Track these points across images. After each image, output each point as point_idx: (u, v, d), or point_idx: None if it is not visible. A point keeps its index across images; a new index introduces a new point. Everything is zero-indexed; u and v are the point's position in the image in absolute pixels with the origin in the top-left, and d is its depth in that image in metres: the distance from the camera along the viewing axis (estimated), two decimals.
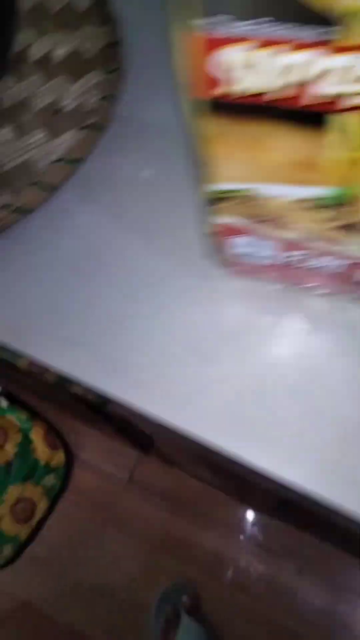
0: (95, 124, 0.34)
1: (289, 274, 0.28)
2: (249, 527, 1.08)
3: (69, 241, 0.32)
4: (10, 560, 1.13)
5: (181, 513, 1.12)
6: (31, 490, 1.16)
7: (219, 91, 0.17)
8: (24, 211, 0.32)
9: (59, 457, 1.18)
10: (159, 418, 0.27)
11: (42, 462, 1.18)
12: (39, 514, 1.15)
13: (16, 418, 1.22)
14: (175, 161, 0.33)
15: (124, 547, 1.11)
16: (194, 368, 0.28)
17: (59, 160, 0.33)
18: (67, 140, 0.34)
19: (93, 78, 0.37)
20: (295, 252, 0.26)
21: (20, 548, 1.13)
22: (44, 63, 0.39)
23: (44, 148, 0.35)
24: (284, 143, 0.19)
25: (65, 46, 0.39)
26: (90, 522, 1.15)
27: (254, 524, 1.09)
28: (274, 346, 0.28)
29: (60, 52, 0.39)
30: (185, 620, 1.00)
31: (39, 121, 0.36)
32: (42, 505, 1.15)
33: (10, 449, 1.20)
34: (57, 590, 1.10)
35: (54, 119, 0.36)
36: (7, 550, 1.12)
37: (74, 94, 0.37)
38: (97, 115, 0.34)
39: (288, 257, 0.26)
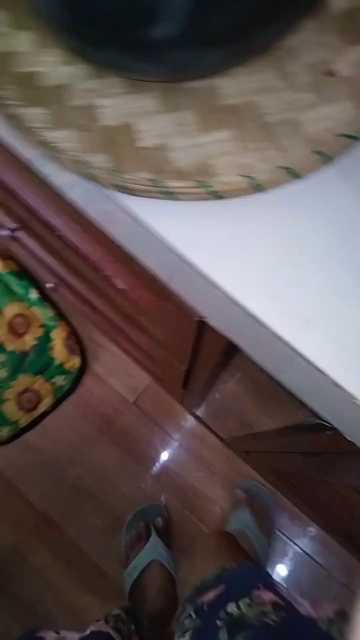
0: None
1: None
2: (241, 483, 1.14)
3: (321, 217, 0.30)
4: (5, 442, 1.15)
5: (177, 448, 1.16)
6: (40, 384, 1.17)
7: None
8: (294, 176, 0.30)
9: (74, 362, 1.19)
10: None
11: (57, 362, 1.18)
12: (42, 408, 1.17)
13: (42, 313, 1.21)
14: None
15: (113, 460, 1.15)
16: None
17: (338, 133, 0.30)
18: (343, 111, 0.31)
19: None
20: None
21: (18, 433, 1.16)
22: (319, 12, 0.35)
23: (314, 111, 0.32)
24: None
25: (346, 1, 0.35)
26: (87, 429, 1.18)
27: (248, 484, 1.14)
28: None
29: (339, 4, 0.35)
30: (154, 538, 1.07)
31: (307, 78, 0.33)
32: (47, 401, 1.17)
33: (30, 340, 1.19)
34: (42, 480, 1.14)
35: (325, 81, 0.33)
36: (5, 431, 1.14)
37: (349, 59, 0.33)
38: None
39: None
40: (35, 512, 1.12)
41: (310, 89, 0.33)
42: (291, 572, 1.10)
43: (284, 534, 1.11)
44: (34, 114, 0.31)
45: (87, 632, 0.70)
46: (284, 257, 0.30)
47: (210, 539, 1.03)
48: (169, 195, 0.29)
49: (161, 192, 0.29)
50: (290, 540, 1.11)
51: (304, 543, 1.11)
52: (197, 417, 1.15)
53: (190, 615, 0.57)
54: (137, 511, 1.11)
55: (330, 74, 0.33)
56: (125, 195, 0.30)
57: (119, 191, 0.30)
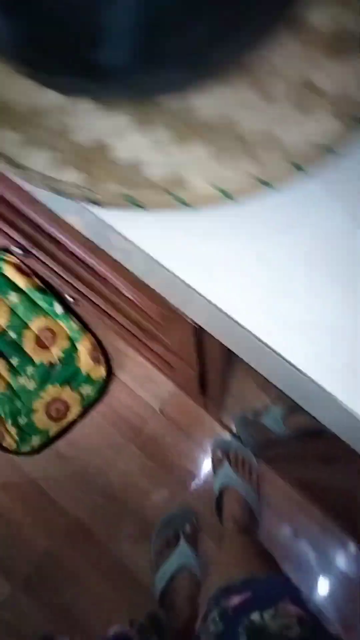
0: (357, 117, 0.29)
1: None
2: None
3: (302, 230, 0.29)
4: (36, 451, 1.17)
5: (204, 456, 1.15)
6: (68, 394, 1.18)
7: None
8: (267, 185, 0.28)
9: (100, 372, 1.19)
10: None
11: (83, 372, 1.19)
12: (70, 417, 1.18)
13: (67, 326, 1.22)
14: None
15: (141, 467, 1.15)
16: None
17: (312, 143, 0.29)
18: (320, 124, 0.30)
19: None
20: None
21: (48, 442, 1.17)
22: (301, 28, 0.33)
23: (291, 124, 0.30)
24: None
25: (331, 18, 0.33)
26: (115, 437, 1.18)
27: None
28: None
29: (323, 21, 0.33)
30: (183, 545, 1.05)
31: (286, 92, 0.31)
32: (75, 410, 1.18)
33: (56, 352, 1.20)
34: (73, 487, 1.15)
35: (305, 95, 0.31)
36: (35, 441, 1.15)
37: (329, 73, 0.32)
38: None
39: None
40: (67, 518, 1.12)
41: (287, 103, 0.31)
42: (327, 590, 1.06)
43: (312, 548, 1.08)
44: (4, 137, 0.30)
45: (111, 633, 0.70)
46: (263, 265, 0.29)
47: (239, 536, 1.01)
48: (138, 205, 0.28)
49: (130, 202, 0.28)
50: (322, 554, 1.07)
51: (340, 560, 1.07)
52: (223, 425, 1.13)
53: (215, 619, 0.55)
54: (165, 518, 1.10)
55: (310, 88, 0.31)
56: (101, 208, 0.29)
57: (92, 204, 0.29)
